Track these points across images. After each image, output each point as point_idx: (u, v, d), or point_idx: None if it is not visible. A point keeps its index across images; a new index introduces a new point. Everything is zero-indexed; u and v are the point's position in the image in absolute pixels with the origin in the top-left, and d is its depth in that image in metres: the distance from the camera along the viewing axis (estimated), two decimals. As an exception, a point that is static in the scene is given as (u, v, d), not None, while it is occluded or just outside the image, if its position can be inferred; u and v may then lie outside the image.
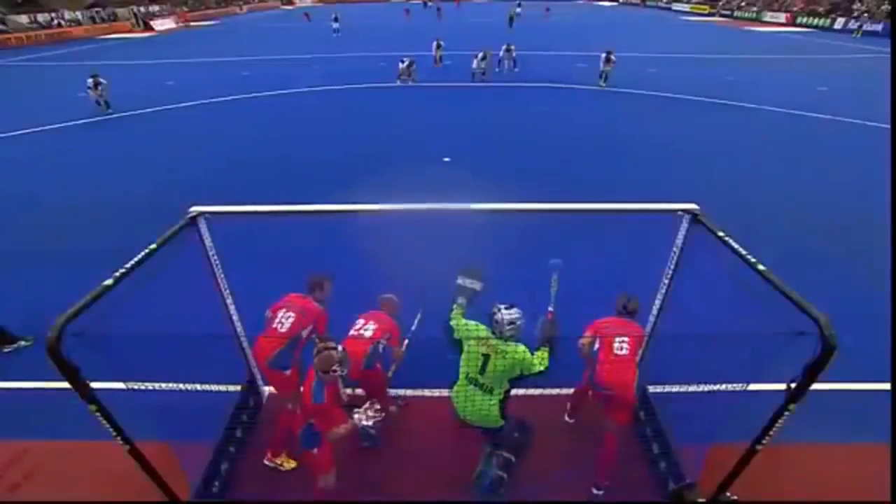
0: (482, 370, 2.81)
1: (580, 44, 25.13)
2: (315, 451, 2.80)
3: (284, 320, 3.26)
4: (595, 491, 3.23)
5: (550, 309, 3.11)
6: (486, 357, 2.78)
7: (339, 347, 2.68)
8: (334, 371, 2.57)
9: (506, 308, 2.78)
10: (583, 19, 38.60)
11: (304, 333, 3.28)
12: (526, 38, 25.37)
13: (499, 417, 2.85)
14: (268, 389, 3.93)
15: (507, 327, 2.74)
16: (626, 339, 3.09)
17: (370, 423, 2.61)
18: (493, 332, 2.80)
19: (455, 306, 3.06)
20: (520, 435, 3.03)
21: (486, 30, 30.17)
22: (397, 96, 14.74)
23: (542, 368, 2.79)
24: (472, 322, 2.94)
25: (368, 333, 3.33)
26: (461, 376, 2.92)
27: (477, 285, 3.05)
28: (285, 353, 3.18)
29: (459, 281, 3.08)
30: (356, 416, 2.61)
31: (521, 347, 2.79)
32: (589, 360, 3.18)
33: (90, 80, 12.96)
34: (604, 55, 15.50)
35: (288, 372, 3.24)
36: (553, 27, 33.78)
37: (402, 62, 16.12)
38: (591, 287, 5.23)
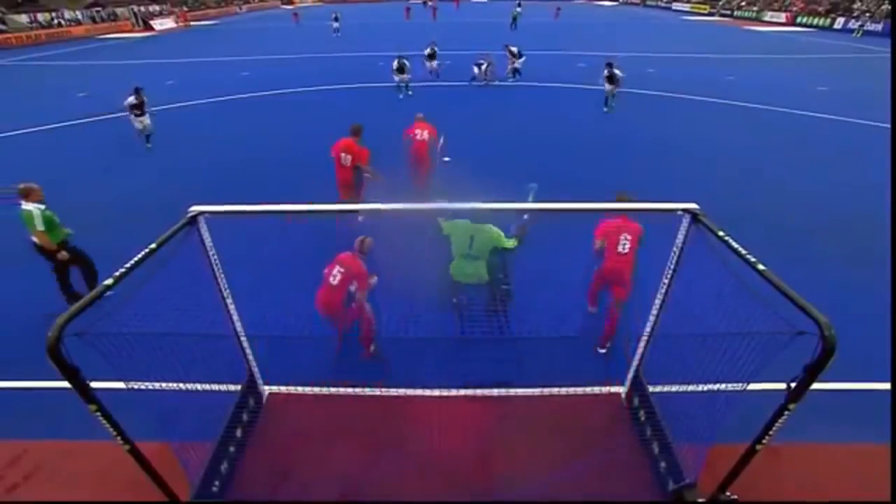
0: (470, 246, 4.08)
1: (580, 44, 25.15)
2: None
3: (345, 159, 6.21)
4: (600, 350, 4.32)
5: (526, 217, 4.21)
6: (472, 237, 4.07)
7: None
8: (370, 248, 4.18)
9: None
10: (582, 19, 38.57)
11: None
12: (527, 38, 25.35)
13: (485, 275, 4.15)
14: (268, 389, 3.94)
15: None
16: (628, 238, 4.02)
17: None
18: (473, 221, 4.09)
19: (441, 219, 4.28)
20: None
21: (487, 30, 30.17)
22: (397, 96, 14.72)
23: (511, 246, 4.09)
24: (456, 220, 4.18)
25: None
26: (455, 256, 4.16)
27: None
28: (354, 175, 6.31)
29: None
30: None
31: (495, 228, 4.09)
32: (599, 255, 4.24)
33: (132, 98, 9.60)
34: (605, 72, 12.28)
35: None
36: (553, 27, 33.77)
37: (394, 64, 14.12)
38: (588, 284, 5.23)
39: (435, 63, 16.26)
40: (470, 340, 4.26)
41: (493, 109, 13.29)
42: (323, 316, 4.09)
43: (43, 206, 4.79)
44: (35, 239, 4.78)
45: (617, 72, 12.16)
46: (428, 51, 16.08)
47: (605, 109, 12.73)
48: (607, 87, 12.47)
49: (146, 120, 10.15)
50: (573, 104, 13.78)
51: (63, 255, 4.89)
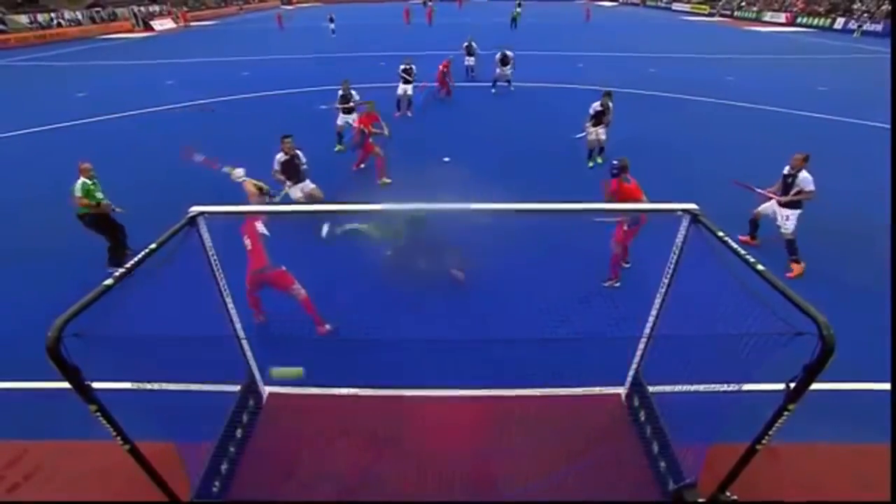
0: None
1: (579, 44, 25.14)
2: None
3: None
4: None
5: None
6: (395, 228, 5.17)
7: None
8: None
9: None
10: (582, 19, 38.49)
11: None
12: (527, 39, 25.36)
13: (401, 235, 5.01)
14: (268, 389, 3.94)
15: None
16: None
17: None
18: None
19: None
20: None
21: (488, 31, 30.12)
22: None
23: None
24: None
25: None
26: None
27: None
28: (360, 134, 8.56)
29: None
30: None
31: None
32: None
33: (280, 154, 6.38)
34: (597, 106, 8.45)
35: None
36: (552, 28, 33.74)
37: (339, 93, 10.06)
38: (590, 284, 5.24)
39: (409, 88, 11.82)
40: (470, 341, 4.26)
41: (492, 109, 13.29)
42: (265, 284, 4.44)
43: (89, 181, 5.54)
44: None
45: (610, 104, 8.54)
46: (403, 67, 11.68)
47: (591, 164, 9.04)
48: (591, 131, 8.59)
49: (309, 185, 6.67)
50: (572, 104, 13.72)
51: (104, 205, 5.69)
